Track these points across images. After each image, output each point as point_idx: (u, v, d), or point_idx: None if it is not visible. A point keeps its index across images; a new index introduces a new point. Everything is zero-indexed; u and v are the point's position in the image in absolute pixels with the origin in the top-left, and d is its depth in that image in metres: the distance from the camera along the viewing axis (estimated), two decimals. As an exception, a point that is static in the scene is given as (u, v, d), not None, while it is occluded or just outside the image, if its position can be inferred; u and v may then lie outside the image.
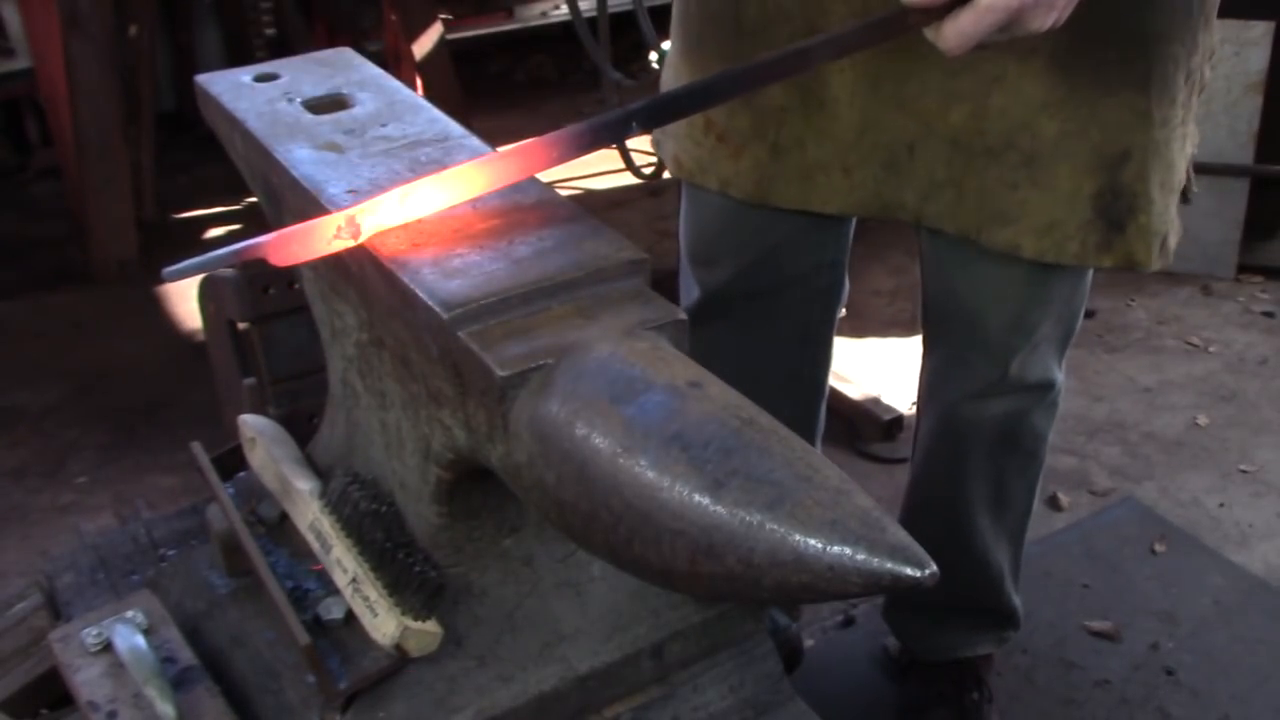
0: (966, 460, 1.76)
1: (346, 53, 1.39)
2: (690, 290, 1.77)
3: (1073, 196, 1.41)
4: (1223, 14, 1.46)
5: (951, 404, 1.72)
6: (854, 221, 1.70)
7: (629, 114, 1.06)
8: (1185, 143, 1.48)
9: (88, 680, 1.17)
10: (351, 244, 1.01)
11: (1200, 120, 1.52)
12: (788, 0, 1.41)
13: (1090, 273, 1.60)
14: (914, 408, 2.77)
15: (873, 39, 1.13)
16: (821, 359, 1.87)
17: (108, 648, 1.20)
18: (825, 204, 1.52)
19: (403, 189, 1.02)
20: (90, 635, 1.21)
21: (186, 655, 1.20)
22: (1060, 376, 1.72)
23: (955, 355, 1.68)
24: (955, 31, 1.08)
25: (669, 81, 1.62)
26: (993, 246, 1.46)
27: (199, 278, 1.55)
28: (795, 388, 1.85)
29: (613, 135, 1.08)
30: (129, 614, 1.23)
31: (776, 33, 1.43)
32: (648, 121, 1.08)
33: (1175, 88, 1.40)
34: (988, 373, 1.65)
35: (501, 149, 1.10)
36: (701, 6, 1.51)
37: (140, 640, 1.18)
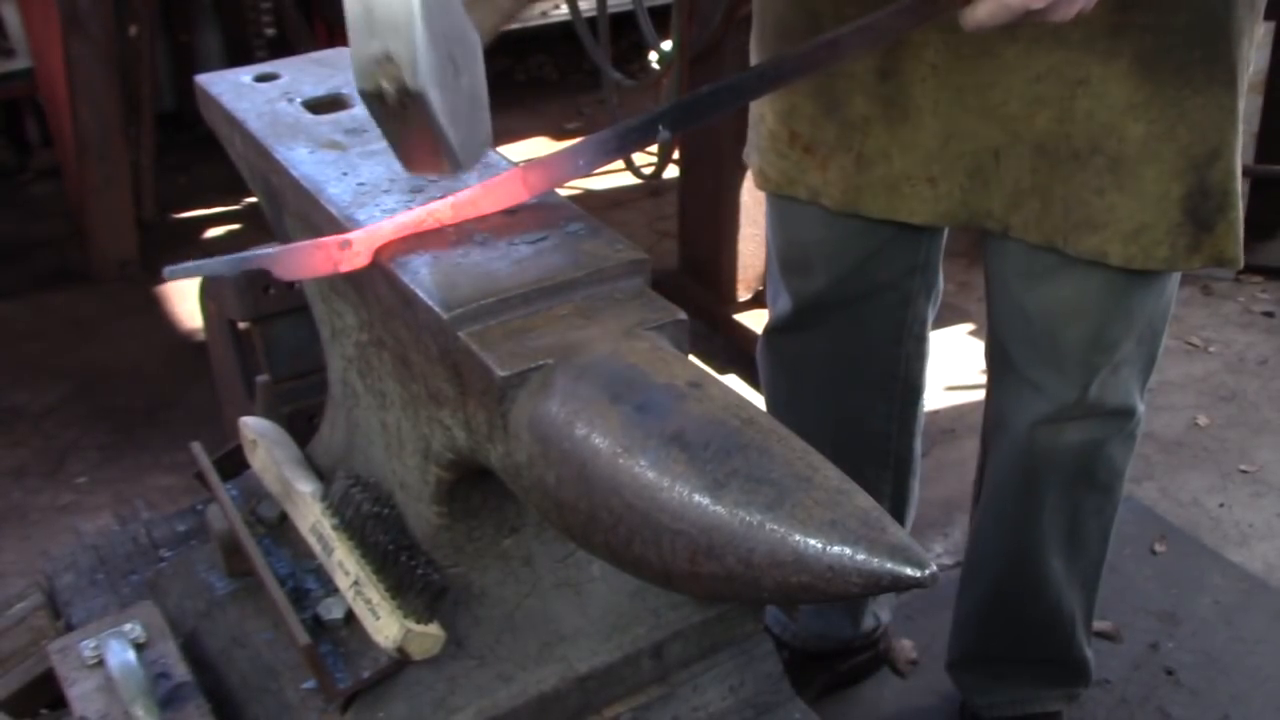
0: (1039, 496, 1.68)
1: (346, 53, 1.38)
2: (779, 298, 1.75)
3: (1161, 199, 1.40)
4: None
5: (1023, 433, 1.64)
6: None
7: (655, 117, 1.06)
8: None
9: (82, 694, 1.17)
10: (359, 265, 1.00)
11: None
12: (862, 10, 1.40)
13: (1174, 288, 1.56)
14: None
15: (905, 24, 1.12)
16: (916, 357, 1.81)
17: (104, 661, 1.20)
18: (913, 214, 1.51)
19: (426, 208, 1.02)
20: (88, 648, 1.21)
21: (181, 671, 1.19)
22: (1142, 406, 1.65)
23: (1027, 379, 1.61)
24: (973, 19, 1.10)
25: None
26: (1079, 254, 1.44)
27: (199, 277, 1.55)
28: (890, 385, 1.81)
29: (640, 140, 1.07)
30: (126, 627, 1.23)
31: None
32: (675, 125, 1.07)
33: (1244, 81, 1.41)
34: (1064, 395, 1.58)
35: (508, 148, 1.10)
36: (778, 24, 1.53)
37: (131, 657, 1.17)
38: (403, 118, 0.98)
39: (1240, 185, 1.44)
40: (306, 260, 0.99)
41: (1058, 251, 1.46)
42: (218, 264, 0.98)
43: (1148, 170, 1.39)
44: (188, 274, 0.98)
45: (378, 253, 1.00)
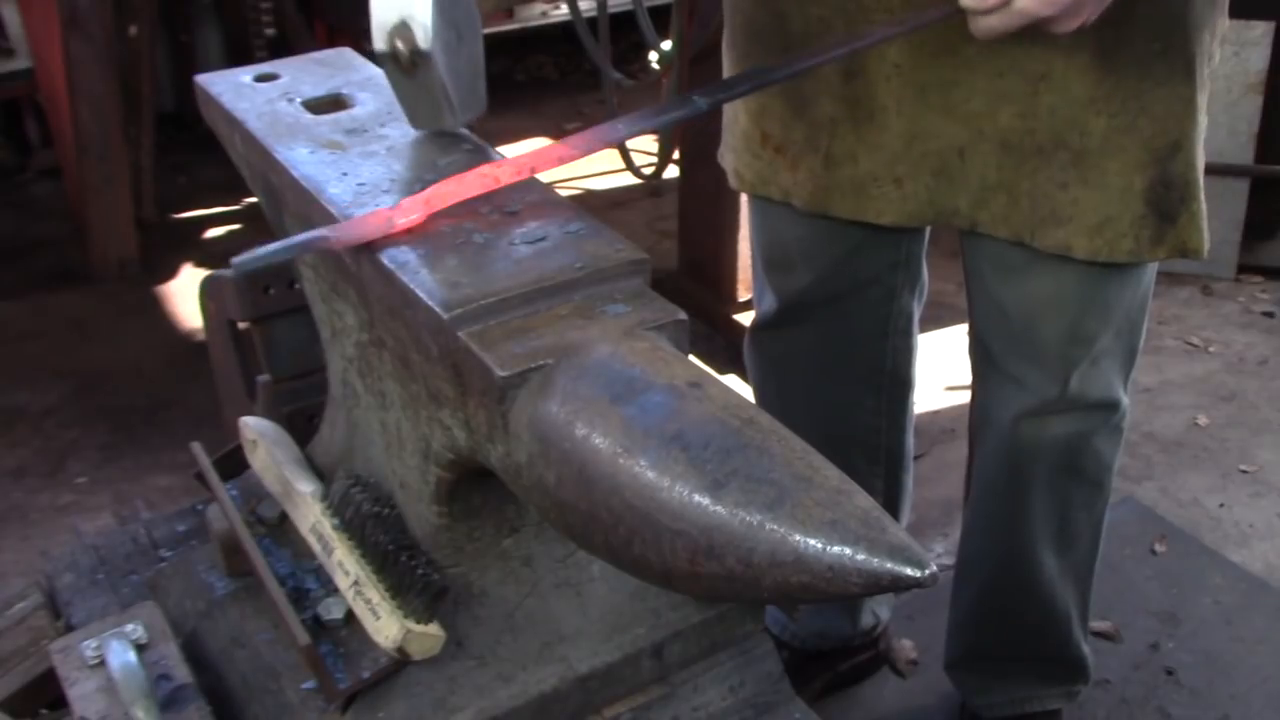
0: (1027, 491, 1.69)
1: (346, 53, 1.39)
2: (765, 297, 1.77)
3: (1124, 192, 1.41)
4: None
5: (1007, 427, 1.65)
6: None
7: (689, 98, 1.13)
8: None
9: (83, 695, 1.17)
10: (414, 222, 1.03)
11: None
12: (828, 11, 1.43)
13: (1150, 281, 1.57)
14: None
15: (903, 30, 1.21)
16: (904, 351, 1.83)
17: (105, 662, 1.19)
18: (880, 215, 1.52)
19: (475, 171, 1.05)
20: (89, 648, 1.20)
21: (182, 673, 1.19)
22: (1125, 399, 1.65)
23: (1008, 374, 1.62)
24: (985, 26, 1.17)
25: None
26: (1045, 248, 1.45)
27: (199, 277, 1.55)
28: (877, 379, 1.83)
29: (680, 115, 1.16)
30: (128, 628, 1.22)
31: (821, 44, 1.44)
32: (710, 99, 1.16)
33: (1205, 73, 1.41)
34: (1045, 389, 1.59)
35: (508, 147, 1.11)
36: (747, 25, 1.54)
37: (132, 658, 1.17)
38: (412, 75, 1.13)
39: (1202, 176, 1.45)
40: (364, 226, 1.02)
41: (1026, 246, 1.47)
42: (283, 248, 1.01)
43: (1110, 163, 1.40)
44: (257, 263, 0.98)
45: (374, 243, 1.01)
